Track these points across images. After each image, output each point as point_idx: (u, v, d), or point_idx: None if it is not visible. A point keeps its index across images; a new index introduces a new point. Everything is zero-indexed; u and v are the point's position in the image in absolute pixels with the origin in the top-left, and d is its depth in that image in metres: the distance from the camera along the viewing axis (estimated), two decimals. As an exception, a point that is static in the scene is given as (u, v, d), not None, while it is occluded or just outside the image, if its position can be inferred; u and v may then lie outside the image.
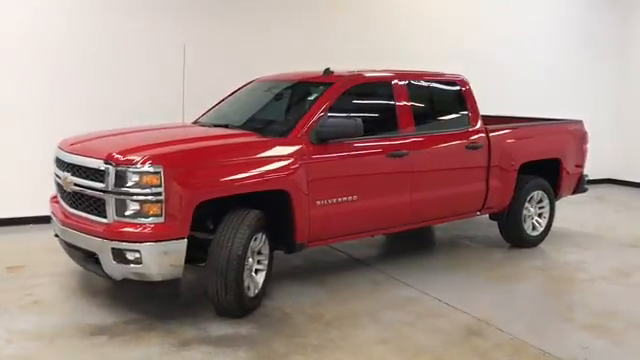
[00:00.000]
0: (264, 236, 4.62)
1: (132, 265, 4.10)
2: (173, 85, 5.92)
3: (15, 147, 6.52)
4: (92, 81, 6.88)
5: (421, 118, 5.63)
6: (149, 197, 4.05)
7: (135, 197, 4.07)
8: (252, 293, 4.56)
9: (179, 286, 5.11)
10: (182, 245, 4.12)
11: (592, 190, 9.68)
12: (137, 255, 4.05)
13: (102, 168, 4.19)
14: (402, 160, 5.29)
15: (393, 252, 6.52)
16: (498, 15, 9.62)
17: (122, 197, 4.10)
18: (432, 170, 5.57)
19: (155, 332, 4.19)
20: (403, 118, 5.41)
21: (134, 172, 4.05)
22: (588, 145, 7.13)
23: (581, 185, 7.11)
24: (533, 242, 6.60)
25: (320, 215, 4.82)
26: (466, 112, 5.94)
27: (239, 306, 4.37)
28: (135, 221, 4.08)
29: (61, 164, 4.71)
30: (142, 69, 7.07)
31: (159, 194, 4.04)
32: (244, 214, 4.41)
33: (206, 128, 5.26)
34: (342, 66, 5.74)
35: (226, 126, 5.20)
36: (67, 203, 4.64)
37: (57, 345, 3.97)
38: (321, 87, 5.18)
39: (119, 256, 4.10)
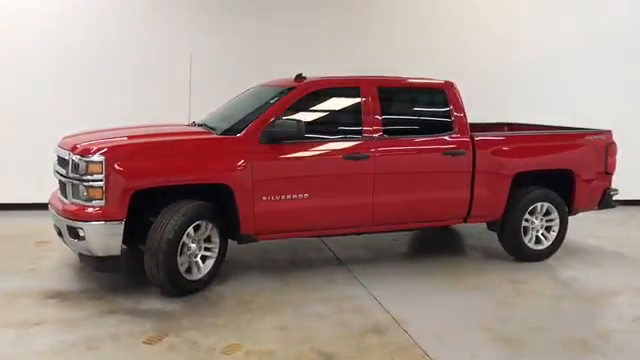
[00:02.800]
0: (210, 225, 5.08)
1: (81, 241, 4.79)
2: (184, 89, 6.58)
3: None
4: (110, 86, 8.02)
5: (392, 123, 5.74)
6: (93, 183, 4.72)
7: (84, 183, 4.76)
8: (195, 276, 5.05)
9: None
10: (119, 227, 4.73)
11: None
12: (82, 233, 4.74)
13: (66, 158, 4.95)
14: (361, 163, 5.46)
15: (382, 255, 6.53)
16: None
17: (76, 182, 4.82)
18: (398, 174, 5.65)
19: (98, 301, 4.85)
20: (368, 122, 5.57)
21: (84, 161, 4.76)
22: (616, 157, 6.64)
23: (606, 200, 6.65)
24: (537, 256, 6.32)
25: (266, 210, 5.17)
26: (448, 118, 5.91)
27: (171, 285, 4.88)
28: (83, 203, 4.78)
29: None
30: (155, 74, 8.09)
31: (101, 181, 4.70)
32: (184, 203, 4.92)
33: (183, 127, 5.82)
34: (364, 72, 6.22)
35: (201, 126, 5.75)
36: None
37: (14, 302, 4.78)
38: (286, 91, 5.53)
39: (72, 233, 4.83)
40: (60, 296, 4.94)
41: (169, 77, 7.77)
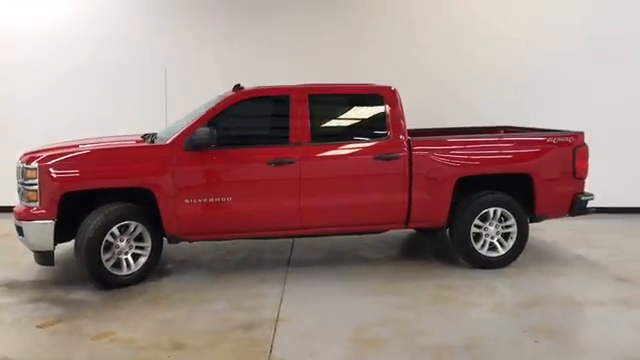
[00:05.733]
0: (140, 226, 5.60)
1: (23, 238, 5.52)
2: (161, 101, 7.19)
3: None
4: (91, 99, 8.90)
5: (323, 129, 5.94)
6: (30, 187, 5.43)
7: (25, 187, 5.49)
8: (124, 272, 5.59)
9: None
10: (50, 225, 5.39)
11: None
12: (23, 230, 5.47)
13: (17, 166, 5.72)
14: (286, 168, 5.69)
15: (337, 258, 6.56)
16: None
17: (21, 187, 5.56)
18: (325, 178, 5.79)
19: (35, 290, 5.55)
20: (296, 129, 5.79)
21: (24, 168, 5.49)
22: (587, 161, 6.27)
23: (578, 206, 6.28)
24: (493, 264, 6.14)
25: (188, 213, 5.59)
26: (383, 123, 5.96)
27: (96, 279, 5.47)
28: (26, 205, 5.50)
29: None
30: (131, 88, 8.83)
31: (35, 185, 5.39)
32: (110, 205, 5.49)
33: (129, 139, 6.28)
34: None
35: (144, 136, 6.25)
36: None
37: (-32, 289, 5.59)
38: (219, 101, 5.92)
39: (18, 230, 5.57)
40: (10, 285, 5.70)
41: (149, 90, 8.44)
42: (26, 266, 6.24)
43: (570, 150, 6.17)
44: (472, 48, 8.80)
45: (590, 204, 6.36)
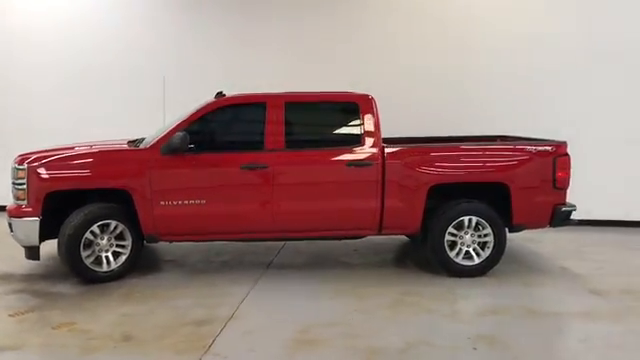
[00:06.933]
0: (119, 225, 5.92)
1: (13, 233, 5.93)
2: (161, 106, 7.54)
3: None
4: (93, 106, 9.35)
5: (297, 136, 6.10)
6: (20, 186, 5.83)
7: (15, 186, 5.90)
8: (104, 268, 5.91)
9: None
10: (35, 222, 5.76)
11: None
12: (13, 227, 5.88)
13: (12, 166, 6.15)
14: (259, 172, 5.90)
15: (319, 262, 6.72)
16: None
17: (12, 186, 5.98)
18: (298, 184, 5.96)
19: (22, 282, 5.95)
20: (270, 135, 5.99)
21: (15, 168, 5.90)
22: (568, 171, 6.20)
23: (559, 217, 6.21)
24: (468, 272, 6.14)
25: (164, 214, 5.86)
26: (357, 131, 6.08)
27: (77, 274, 5.82)
28: (17, 203, 5.91)
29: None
30: (134, 91, 9.23)
31: (24, 184, 5.79)
32: (91, 205, 5.84)
33: (116, 143, 6.62)
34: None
35: (133, 141, 6.58)
36: None
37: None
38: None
39: (9, 226, 5.98)
40: (1, 277, 6.09)
41: (147, 97, 8.76)
42: (22, 260, 6.56)
43: (550, 160, 6.10)
44: (475, 56, 8.76)
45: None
